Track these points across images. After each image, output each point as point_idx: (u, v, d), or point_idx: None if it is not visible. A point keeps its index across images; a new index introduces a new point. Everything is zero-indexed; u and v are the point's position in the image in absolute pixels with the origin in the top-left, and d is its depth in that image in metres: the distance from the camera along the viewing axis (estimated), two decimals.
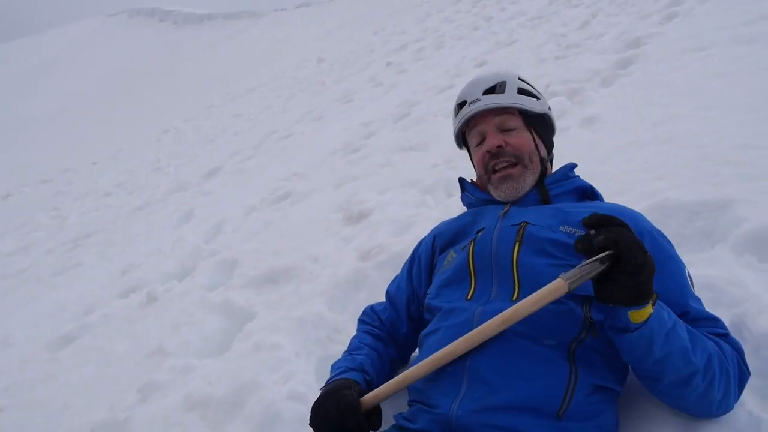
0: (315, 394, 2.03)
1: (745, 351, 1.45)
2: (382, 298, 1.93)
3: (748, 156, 2.29)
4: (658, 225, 1.96)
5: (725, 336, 1.33)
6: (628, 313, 1.19)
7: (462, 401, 1.32)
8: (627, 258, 1.14)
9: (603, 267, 1.16)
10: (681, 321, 1.27)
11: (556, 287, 1.23)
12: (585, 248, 1.18)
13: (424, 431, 1.35)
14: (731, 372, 1.26)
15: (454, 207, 3.00)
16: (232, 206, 5.19)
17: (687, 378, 1.23)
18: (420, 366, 1.39)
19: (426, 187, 3.56)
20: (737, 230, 1.89)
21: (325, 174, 4.95)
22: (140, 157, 11.77)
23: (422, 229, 2.88)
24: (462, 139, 1.88)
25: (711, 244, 1.93)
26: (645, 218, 1.54)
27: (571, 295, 1.31)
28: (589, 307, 1.35)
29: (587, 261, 1.18)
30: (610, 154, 2.80)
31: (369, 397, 1.43)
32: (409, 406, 1.49)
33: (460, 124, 1.78)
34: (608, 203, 1.68)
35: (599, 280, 1.19)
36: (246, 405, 2.06)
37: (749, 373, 1.31)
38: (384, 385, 1.44)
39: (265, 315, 2.75)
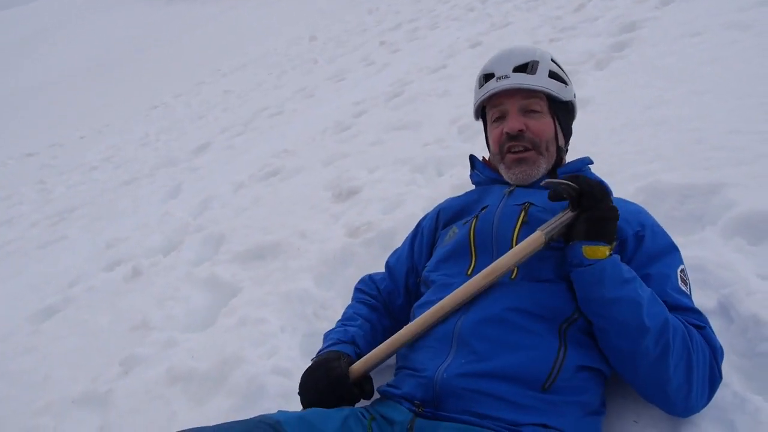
0: (300, 369, 2.01)
1: (732, 332, 1.46)
2: (370, 274, 1.92)
3: (740, 140, 2.29)
4: (649, 207, 1.97)
5: (701, 328, 1.31)
6: (582, 247, 1.29)
7: (449, 366, 1.32)
8: (587, 193, 1.28)
9: (573, 214, 1.32)
10: (647, 287, 1.29)
11: (534, 238, 1.34)
12: (554, 195, 1.34)
13: (408, 396, 1.35)
14: (695, 359, 1.23)
15: (444, 186, 2.98)
16: (221, 182, 5.14)
17: (635, 334, 1.23)
18: (408, 328, 1.41)
19: (416, 166, 3.53)
20: (727, 214, 1.89)
21: (316, 151, 4.90)
22: (128, 132, 11.61)
23: (412, 207, 2.86)
24: (481, 111, 1.80)
25: (701, 227, 1.93)
26: (649, 214, 1.54)
27: (566, 278, 1.37)
28: None
29: (559, 213, 1.34)
30: (602, 135, 2.78)
31: (358, 364, 1.45)
32: (395, 374, 1.49)
33: (482, 97, 1.69)
34: (615, 197, 1.66)
35: (568, 228, 1.33)
36: (229, 379, 2.04)
37: (720, 378, 1.28)
38: (373, 351, 1.45)
39: (251, 290, 2.72)
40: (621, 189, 1.98)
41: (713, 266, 1.65)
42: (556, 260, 1.39)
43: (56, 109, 19.95)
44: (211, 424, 1.24)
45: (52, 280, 4.21)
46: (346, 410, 1.35)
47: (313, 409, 1.35)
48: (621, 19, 4.72)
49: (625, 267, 1.30)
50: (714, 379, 1.28)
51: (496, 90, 1.63)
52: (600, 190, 1.30)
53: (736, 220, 1.84)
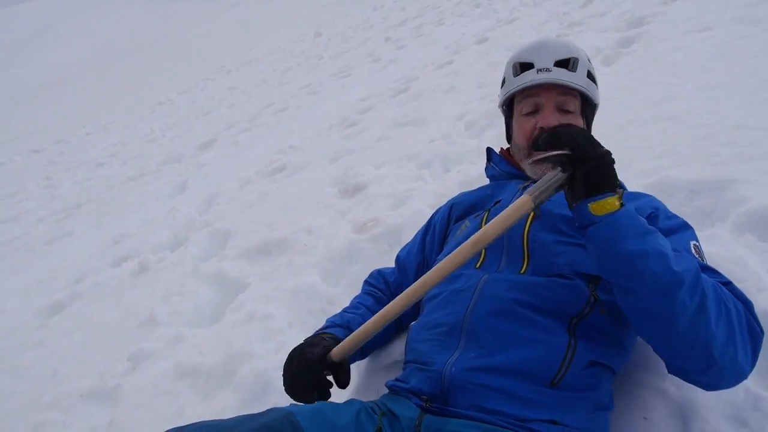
0: None
1: None
2: (379, 269, 1.92)
3: (749, 136, 2.27)
4: None
5: (727, 284, 1.23)
6: (588, 205, 1.15)
7: (457, 360, 1.31)
8: (574, 148, 1.15)
9: (564, 175, 1.18)
10: (666, 239, 1.18)
11: (521, 203, 1.21)
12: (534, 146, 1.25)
13: (415, 390, 1.34)
14: (733, 311, 1.14)
15: (451, 182, 2.97)
16: (227, 178, 5.15)
17: (668, 287, 1.09)
18: (391, 305, 1.33)
19: (423, 162, 3.52)
20: (738, 209, 1.88)
21: (321, 147, 4.90)
22: (134, 128, 11.64)
23: (418, 203, 2.86)
24: (508, 101, 1.70)
25: (711, 223, 1.91)
26: (662, 203, 1.52)
27: (578, 273, 1.34)
28: (595, 286, 1.34)
29: (547, 174, 1.20)
30: (610, 131, 2.76)
31: (343, 344, 1.42)
32: (404, 368, 1.49)
33: (519, 87, 1.60)
34: (631, 192, 1.61)
35: (560, 189, 1.21)
36: (237, 374, 2.05)
37: (762, 332, 1.17)
38: (358, 329, 1.40)
39: (258, 286, 2.73)
40: (630, 185, 1.96)
41: (724, 262, 1.63)
42: (568, 256, 1.37)
43: (61, 106, 20.00)
44: (219, 419, 1.24)
45: (59, 275, 4.24)
46: (357, 404, 1.35)
47: (325, 402, 1.35)
48: (629, 14, 4.69)
49: (642, 219, 1.17)
50: (755, 334, 1.16)
51: (536, 82, 1.57)
52: (584, 137, 1.17)
53: (747, 216, 1.83)
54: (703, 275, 1.15)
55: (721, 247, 1.70)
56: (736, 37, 3.32)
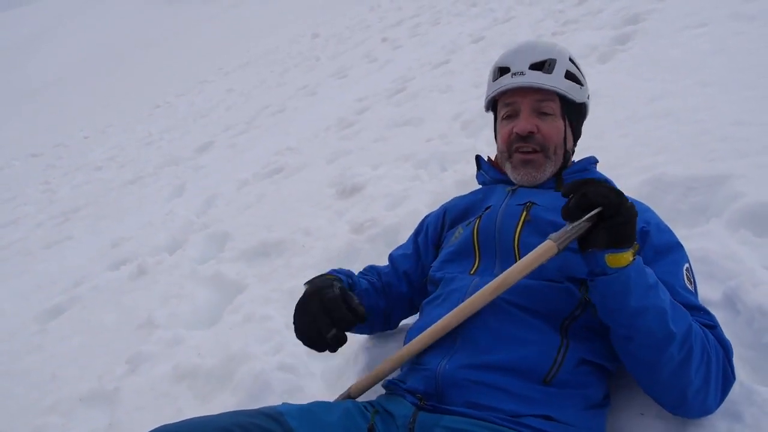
0: (305, 366, 2.03)
1: (739, 323, 1.45)
2: (372, 264, 1.93)
3: (745, 132, 2.27)
4: (654, 199, 1.96)
5: (713, 328, 1.28)
6: (605, 256, 1.18)
7: (451, 358, 1.32)
8: (605, 206, 1.15)
9: (589, 225, 1.19)
10: (666, 289, 1.24)
11: (546, 248, 1.24)
12: (568, 215, 1.21)
13: (411, 389, 1.35)
14: (713, 360, 1.21)
15: (448, 181, 2.97)
16: (225, 180, 5.15)
17: (661, 342, 1.18)
18: (412, 344, 1.40)
19: (420, 162, 3.53)
20: (733, 205, 1.88)
21: (319, 148, 4.90)
22: (131, 131, 11.64)
23: (416, 203, 2.86)
24: (492, 103, 1.74)
25: (706, 219, 1.92)
26: (655, 213, 1.50)
27: (568, 277, 1.35)
28: (586, 289, 1.34)
29: (574, 222, 1.20)
30: (606, 128, 2.77)
31: (361, 381, 1.45)
32: (401, 368, 1.50)
33: (495, 92, 1.64)
34: None
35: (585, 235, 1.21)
36: (235, 375, 2.05)
37: (734, 378, 1.26)
38: (376, 369, 1.45)
39: (255, 287, 2.73)
40: (626, 182, 1.97)
41: (719, 258, 1.64)
42: (559, 260, 1.35)
43: (59, 110, 20.00)
44: (208, 415, 1.25)
45: (57, 279, 4.23)
46: (349, 403, 1.36)
47: (317, 401, 1.36)
48: (624, 11, 4.69)
49: (648, 270, 1.22)
50: (727, 380, 1.25)
51: (510, 87, 1.59)
52: (615, 194, 1.18)
53: (742, 212, 1.83)
54: (695, 327, 1.21)
55: (716, 243, 1.71)
56: (731, 34, 3.32)
